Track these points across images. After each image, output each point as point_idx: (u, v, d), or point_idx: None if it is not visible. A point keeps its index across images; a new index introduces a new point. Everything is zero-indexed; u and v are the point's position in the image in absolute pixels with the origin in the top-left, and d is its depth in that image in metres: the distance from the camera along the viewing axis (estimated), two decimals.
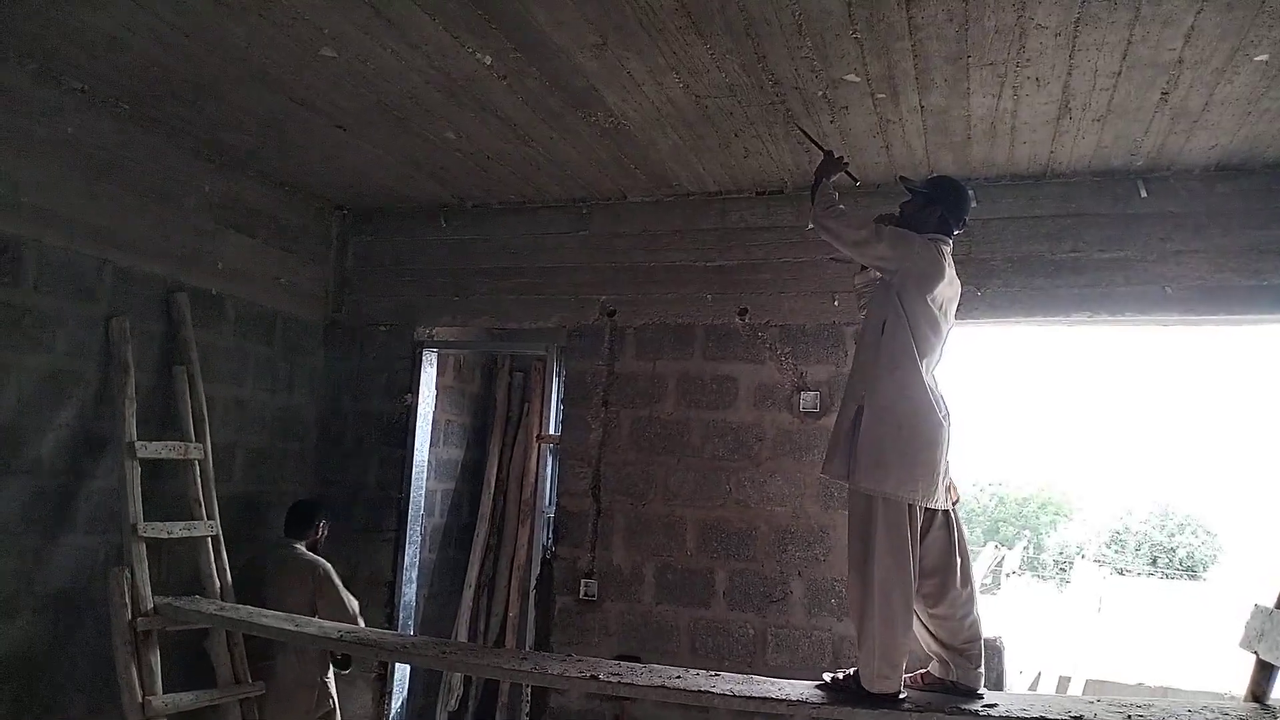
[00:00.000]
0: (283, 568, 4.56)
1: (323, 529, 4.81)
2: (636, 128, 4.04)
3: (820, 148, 3.55)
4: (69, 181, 3.95)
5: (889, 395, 3.14)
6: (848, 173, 3.52)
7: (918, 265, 3.20)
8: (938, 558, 3.24)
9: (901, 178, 3.60)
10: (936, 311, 3.20)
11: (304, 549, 4.64)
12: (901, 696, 3.13)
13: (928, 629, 3.28)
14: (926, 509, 3.18)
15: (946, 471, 3.21)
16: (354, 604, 4.49)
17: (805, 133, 3.72)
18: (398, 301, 5.44)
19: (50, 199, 3.87)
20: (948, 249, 3.31)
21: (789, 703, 3.21)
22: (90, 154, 4.04)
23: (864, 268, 3.56)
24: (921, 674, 3.36)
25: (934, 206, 3.34)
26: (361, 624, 4.44)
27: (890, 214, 3.46)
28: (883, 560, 3.09)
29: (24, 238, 3.77)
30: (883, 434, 3.12)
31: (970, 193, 3.50)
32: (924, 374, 3.18)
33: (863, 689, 3.14)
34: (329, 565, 4.57)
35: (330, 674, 4.56)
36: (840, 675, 3.29)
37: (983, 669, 3.23)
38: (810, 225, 3.45)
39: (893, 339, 3.17)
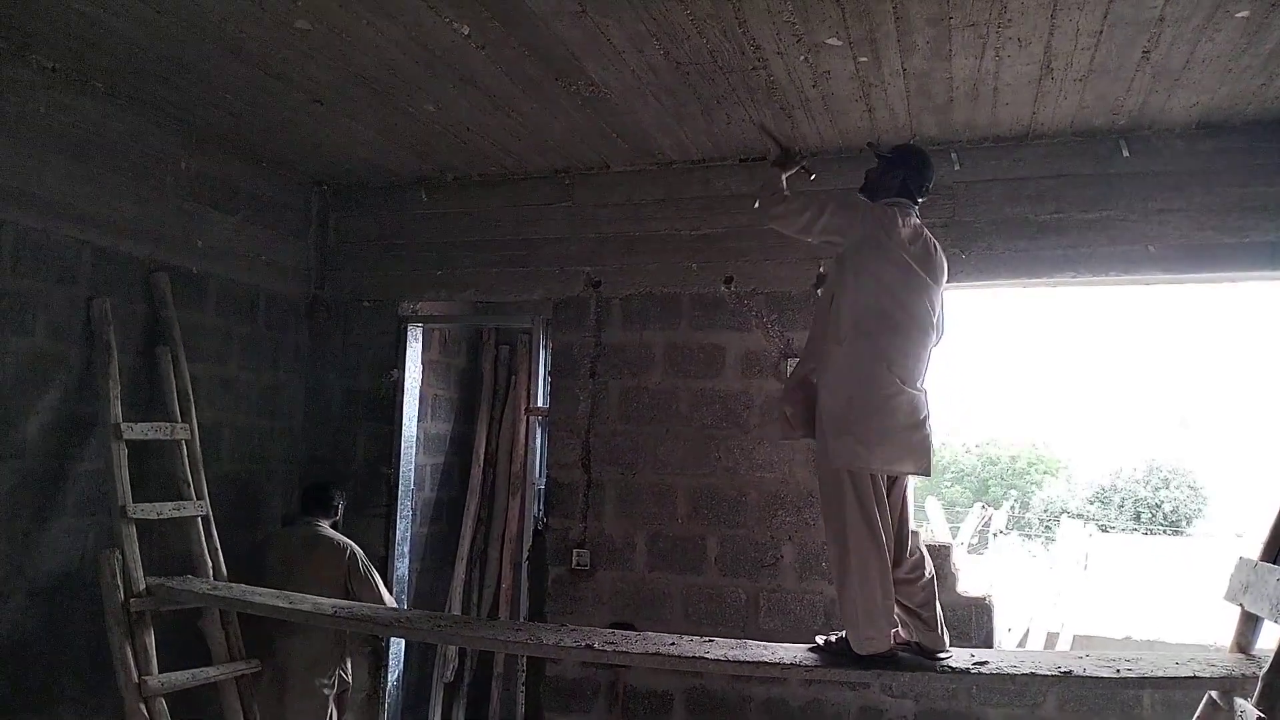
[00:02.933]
0: (313, 547, 4.55)
1: (342, 508, 4.84)
2: (618, 96, 4.01)
3: (779, 143, 3.51)
4: (44, 161, 3.90)
5: (837, 368, 3.17)
6: (803, 168, 3.52)
7: (867, 230, 3.19)
8: (895, 522, 3.25)
9: (869, 143, 3.61)
10: (899, 272, 3.17)
11: (329, 528, 4.67)
12: (891, 656, 3.17)
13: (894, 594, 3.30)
14: (889, 475, 3.21)
15: (916, 436, 3.20)
16: (384, 589, 4.55)
17: (766, 130, 3.63)
18: (381, 277, 5.41)
19: (25, 179, 3.82)
20: (910, 215, 3.29)
21: (783, 666, 3.25)
22: (65, 133, 3.98)
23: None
24: (894, 633, 3.40)
25: (896, 171, 3.34)
26: (390, 601, 4.52)
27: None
28: (855, 528, 3.12)
29: (1, 220, 3.72)
30: (834, 407, 3.16)
31: (930, 158, 3.48)
32: (880, 343, 3.14)
33: (853, 651, 3.18)
34: (358, 548, 4.59)
35: (347, 656, 4.61)
36: (833, 637, 3.33)
37: (944, 632, 3.23)
38: (761, 218, 3.42)
39: (839, 313, 3.19)
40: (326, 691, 4.49)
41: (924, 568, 3.27)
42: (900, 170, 3.34)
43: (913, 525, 3.37)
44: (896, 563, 3.23)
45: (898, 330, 3.18)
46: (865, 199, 3.35)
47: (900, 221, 3.22)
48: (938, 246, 3.34)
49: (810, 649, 3.36)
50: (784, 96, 3.92)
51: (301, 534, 4.65)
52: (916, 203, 3.37)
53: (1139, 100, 3.90)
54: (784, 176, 3.42)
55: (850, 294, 3.19)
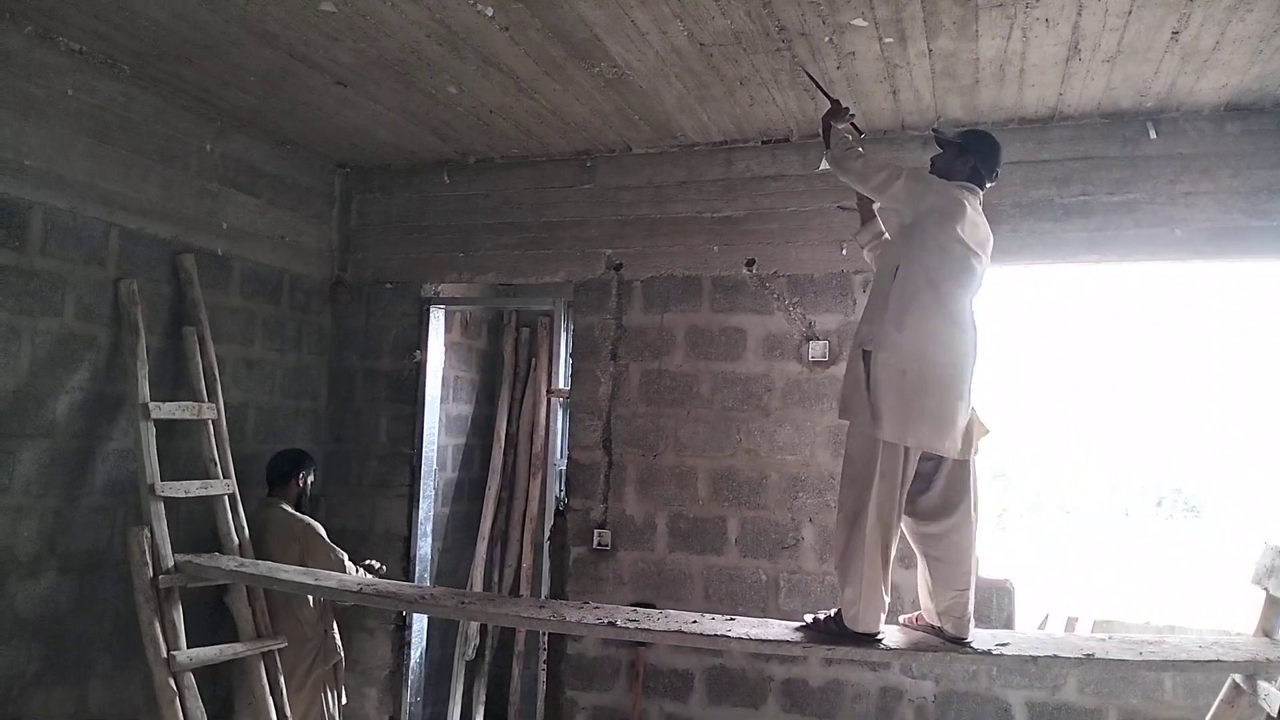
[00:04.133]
0: (267, 529, 4.53)
1: (304, 480, 4.74)
2: (641, 78, 4.00)
3: (828, 96, 3.52)
4: (72, 144, 3.93)
5: (896, 341, 3.12)
6: (853, 124, 3.50)
7: (937, 204, 3.16)
8: (941, 500, 3.23)
9: (934, 130, 3.58)
10: (962, 253, 3.15)
11: (288, 507, 4.62)
12: (879, 637, 3.18)
13: (926, 571, 3.30)
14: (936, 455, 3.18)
15: (964, 419, 3.17)
16: (341, 553, 4.49)
17: (812, 78, 3.68)
18: (403, 259, 5.44)
19: (54, 162, 3.86)
20: (977, 199, 3.28)
21: (804, 645, 3.27)
22: (92, 116, 4.01)
23: (863, 224, 3.58)
24: (916, 616, 3.41)
25: (967, 157, 3.31)
26: (351, 569, 4.46)
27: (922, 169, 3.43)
28: (876, 504, 3.10)
29: (29, 201, 3.77)
30: (888, 380, 3.10)
31: (1000, 147, 3.43)
32: (943, 319, 3.13)
33: (845, 628, 3.18)
34: (311, 521, 4.57)
35: (335, 628, 4.63)
36: (821, 616, 3.33)
37: (970, 619, 3.23)
38: (824, 166, 3.42)
39: (903, 284, 3.14)
40: (313, 669, 4.53)
41: (970, 555, 3.22)
42: (972, 156, 3.31)
43: (976, 514, 3.27)
44: (940, 542, 3.21)
45: (955, 310, 3.16)
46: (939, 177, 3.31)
47: (969, 205, 3.20)
48: (992, 239, 3.32)
49: (798, 627, 3.35)
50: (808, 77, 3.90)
51: (260, 515, 4.59)
52: (984, 189, 3.34)
53: (1167, 82, 3.86)
54: (842, 129, 3.41)
55: (916, 267, 3.14)
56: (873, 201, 3.53)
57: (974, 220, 3.21)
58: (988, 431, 3.28)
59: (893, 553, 3.16)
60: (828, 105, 3.46)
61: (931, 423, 3.09)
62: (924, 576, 3.32)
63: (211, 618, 4.41)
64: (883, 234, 3.57)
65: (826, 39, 3.55)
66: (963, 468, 3.24)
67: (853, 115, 3.48)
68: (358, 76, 4.10)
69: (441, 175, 5.36)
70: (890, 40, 3.55)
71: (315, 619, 4.55)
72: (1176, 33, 3.42)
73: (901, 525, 3.24)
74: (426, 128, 4.76)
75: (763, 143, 4.74)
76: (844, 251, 4.56)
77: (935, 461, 3.22)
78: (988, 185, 3.37)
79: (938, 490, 3.23)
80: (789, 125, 4.52)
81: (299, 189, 5.24)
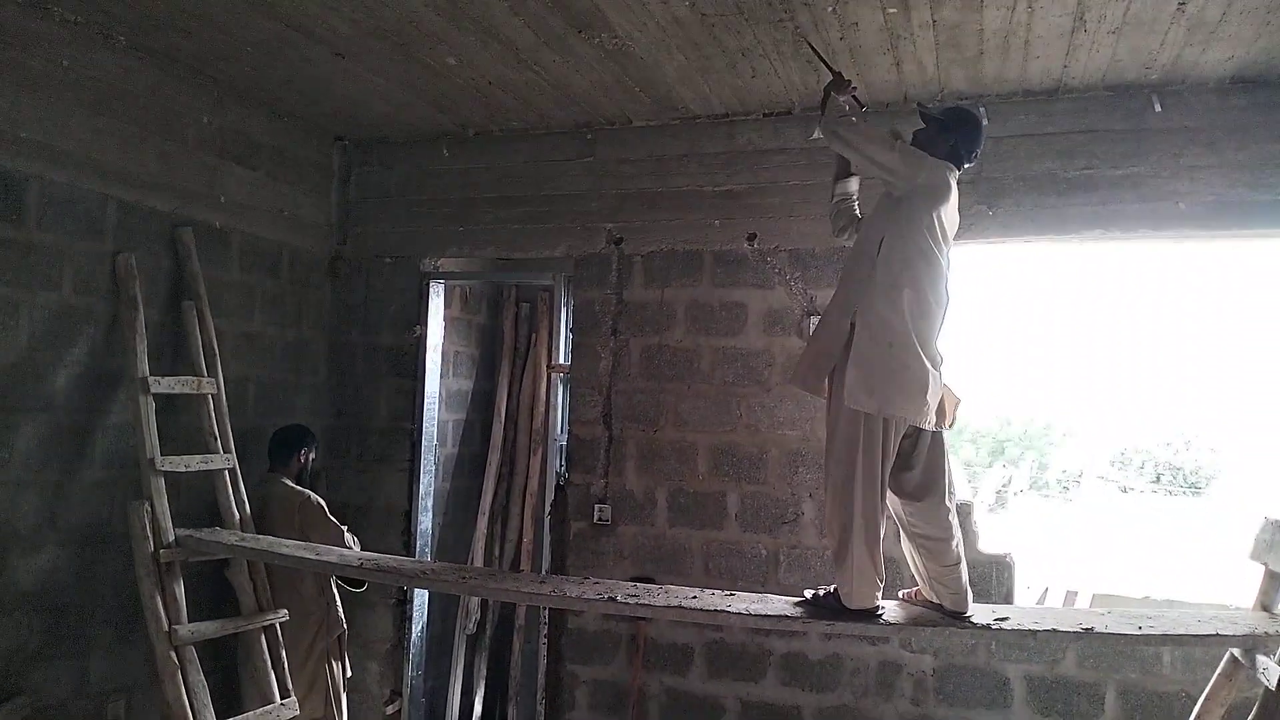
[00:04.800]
0: (269, 503, 4.53)
1: (306, 456, 4.73)
2: (642, 49, 3.96)
3: (830, 68, 3.50)
4: (68, 116, 3.90)
5: (883, 313, 3.11)
6: (854, 98, 3.48)
7: (930, 181, 3.16)
8: (923, 478, 3.23)
9: (919, 105, 3.55)
10: (940, 231, 3.15)
11: (289, 482, 4.61)
12: (879, 612, 3.19)
13: (915, 550, 3.31)
14: (914, 427, 3.18)
15: (939, 392, 3.18)
16: (339, 525, 4.48)
17: (815, 50, 3.65)
18: (403, 233, 5.41)
19: (50, 134, 3.83)
20: (954, 179, 3.26)
21: (804, 621, 3.28)
22: (88, 87, 3.98)
23: (840, 178, 3.55)
24: (915, 591, 3.42)
25: (948, 135, 3.29)
26: (350, 541, 4.45)
27: (898, 132, 3.42)
28: (864, 477, 3.09)
29: (25, 174, 3.74)
30: (874, 352, 3.09)
31: (984, 124, 3.43)
32: (925, 295, 3.12)
33: (843, 605, 3.19)
34: (311, 493, 4.56)
35: (337, 600, 4.64)
36: (821, 591, 3.34)
37: (967, 591, 3.25)
38: (817, 135, 3.41)
39: (890, 257, 3.13)
40: (317, 642, 4.55)
41: (955, 528, 3.24)
42: (953, 134, 3.29)
43: (953, 488, 3.29)
44: (928, 519, 3.21)
45: (936, 285, 3.15)
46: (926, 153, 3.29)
47: (950, 183, 3.19)
48: (958, 221, 3.34)
49: (797, 603, 3.36)
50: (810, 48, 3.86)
51: (261, 490, 4.58)
52: (960, 169, 3.32)
53: (1173, 54, 3.82)
54: (841, 100, 3.40)
55: (904, 240, 3.13)
56: (850, 163, 3.53)
57: (953, 202, 3.22)
58: (959, 400, 3.29)
59: (883, 528, 3.16)
60: (829, 77, 3.44)
61: (911, 395, 3.08)
62: (913, 555, 3.33)
63: (214, 592, 4.42)
64: (852, 195, 3.57)
65: (829, 9, 3.51)
66: (938, 442, 3.25)
67: (854, 89, 3.46)
68: (356, 47, 4.06)
69: (441, 148, 5.32)
70: (894, 10, 3.51)
71: (317, 592, 4.56)
72: (1183, 4, 3.38)
73: (889, 505, 3.25)
74: (425, 100, 4.72)
75: (764, 115, 4.70)
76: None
77: (914, 439, 3.22)
78: (965, 166, 3.34)
79: (919, 468, 3.24)
80: (791, 98, 4.48)
81: (298, 162, 5.21)
